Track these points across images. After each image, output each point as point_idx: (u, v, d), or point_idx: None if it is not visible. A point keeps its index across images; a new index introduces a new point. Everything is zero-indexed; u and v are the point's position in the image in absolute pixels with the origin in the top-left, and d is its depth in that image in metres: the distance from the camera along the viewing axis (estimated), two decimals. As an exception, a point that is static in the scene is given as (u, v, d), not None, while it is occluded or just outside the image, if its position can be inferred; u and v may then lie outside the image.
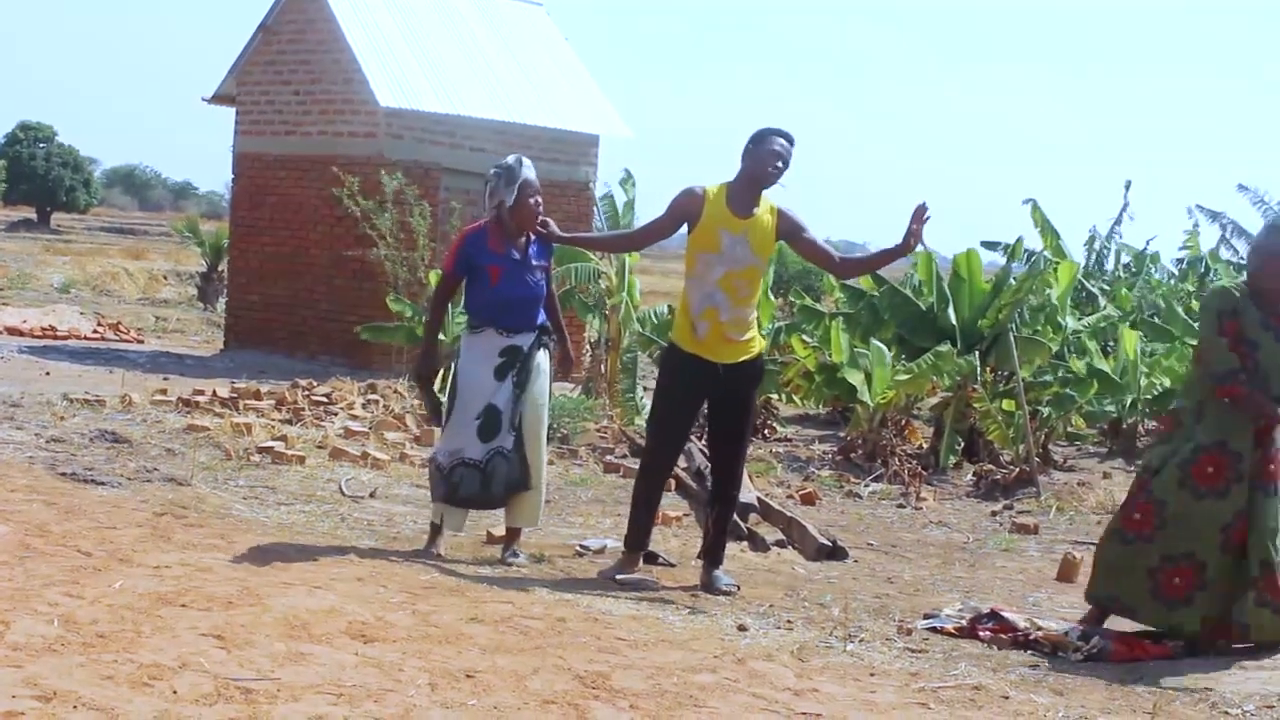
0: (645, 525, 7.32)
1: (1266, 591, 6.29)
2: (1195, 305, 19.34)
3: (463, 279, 7.50)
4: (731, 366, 7.05)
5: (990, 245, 20.46)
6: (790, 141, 7.02)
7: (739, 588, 7.12)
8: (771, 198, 7.08)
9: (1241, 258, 24.25)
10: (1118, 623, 6.58)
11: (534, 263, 7.39)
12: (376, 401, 13.01)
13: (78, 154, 57.13)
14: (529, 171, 7.35)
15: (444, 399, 7.56)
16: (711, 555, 7.28)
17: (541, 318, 7.47)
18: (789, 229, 7.10)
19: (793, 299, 18.21)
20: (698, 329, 7.03)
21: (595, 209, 18.58)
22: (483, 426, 7.28)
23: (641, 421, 12.63)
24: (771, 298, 16.16)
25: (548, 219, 7.51)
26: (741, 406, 7.20)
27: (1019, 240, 18.85)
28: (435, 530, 7.51)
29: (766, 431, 14.76)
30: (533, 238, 7.42)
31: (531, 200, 7.33)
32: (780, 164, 6.98)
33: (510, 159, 7.45)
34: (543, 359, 7.45)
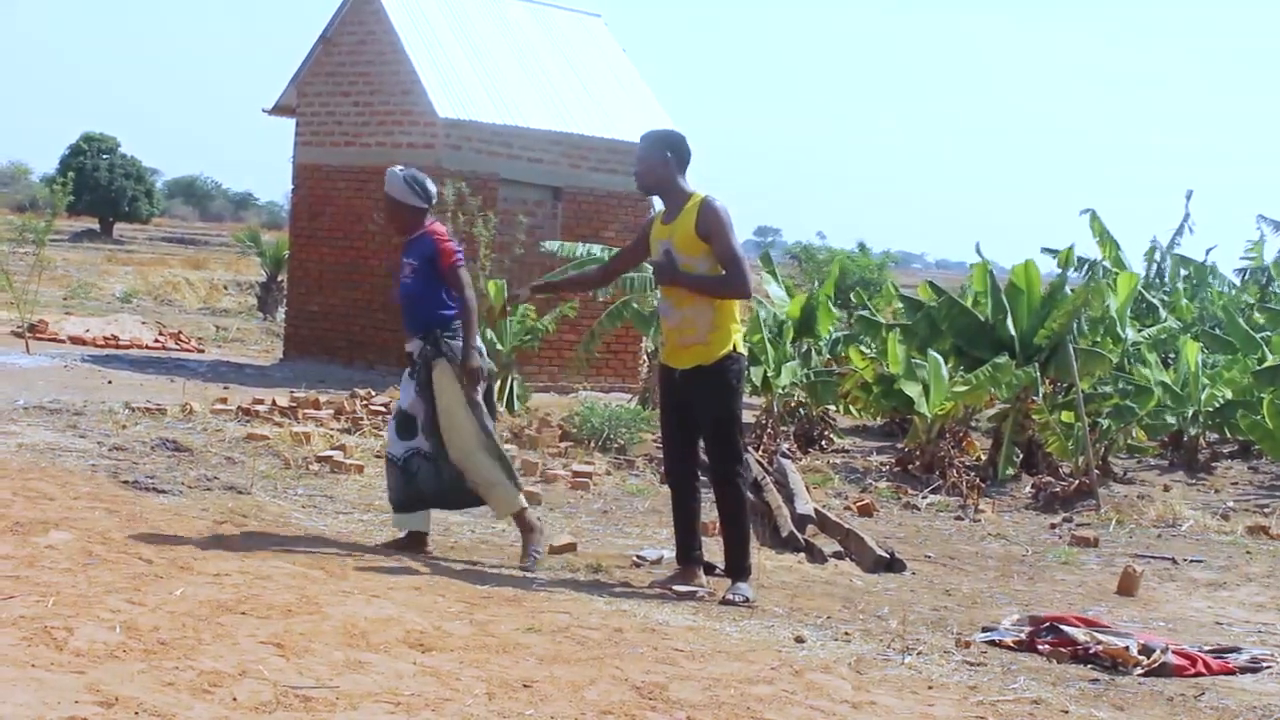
0: (681, 537, 7.30)
1: None
2: (1257, 317, 19.14)
3: None
4: (686, 372, 7.12)
5: (1050, 251, 20.37)
6: (642, 141, 7.21)
7: (747, 600, 6.98)
8: (707, 195, 7.08)
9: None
10: (1172, 634, 6.51)
11: (403, 260, 7.58)
12: (434, 411, 13.04)
13: (140, 165, 57.72)
14: (386, 180, 7.58)
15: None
16: (726, 568, 7.25)
17: (439, 320, 7.46)
18: (703, 225, 7.01)
19: (853, 308, 18.11)
20: (661, 337, 7.42)
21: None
22: (398, 425, 7.57)
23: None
24: (833, 309, 16.10)
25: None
26: (702, 412, 7.13)
27: (1070, 247, 18.75)
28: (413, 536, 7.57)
29: (824, 443, 14.72)
30: (410, 240, 7.59)
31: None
32: (634, 171, 7.32)
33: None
34: (442, 369, 7.43)
